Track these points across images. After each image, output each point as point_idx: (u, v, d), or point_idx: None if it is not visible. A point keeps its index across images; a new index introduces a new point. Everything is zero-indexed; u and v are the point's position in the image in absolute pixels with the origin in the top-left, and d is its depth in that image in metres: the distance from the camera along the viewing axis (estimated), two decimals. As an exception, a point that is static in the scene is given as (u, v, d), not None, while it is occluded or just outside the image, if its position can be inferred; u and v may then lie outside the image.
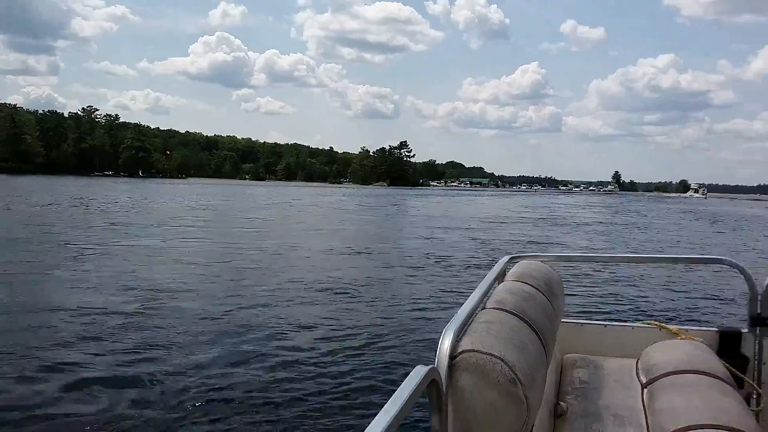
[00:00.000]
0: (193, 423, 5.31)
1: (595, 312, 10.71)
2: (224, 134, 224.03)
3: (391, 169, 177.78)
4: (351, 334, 8.45)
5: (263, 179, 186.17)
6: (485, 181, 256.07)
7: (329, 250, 19.13)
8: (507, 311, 1.90)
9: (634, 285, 13.93)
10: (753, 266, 2.98)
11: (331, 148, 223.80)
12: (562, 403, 2.30)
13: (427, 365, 1.30)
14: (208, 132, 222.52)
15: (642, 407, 2.26)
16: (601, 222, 39.61)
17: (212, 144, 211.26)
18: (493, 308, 1.93)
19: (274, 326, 8.75)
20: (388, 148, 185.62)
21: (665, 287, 13.78)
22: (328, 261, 16.76)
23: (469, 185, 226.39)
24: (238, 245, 19.21)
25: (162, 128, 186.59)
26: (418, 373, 1.24)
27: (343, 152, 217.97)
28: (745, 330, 2.78)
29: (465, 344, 1.54)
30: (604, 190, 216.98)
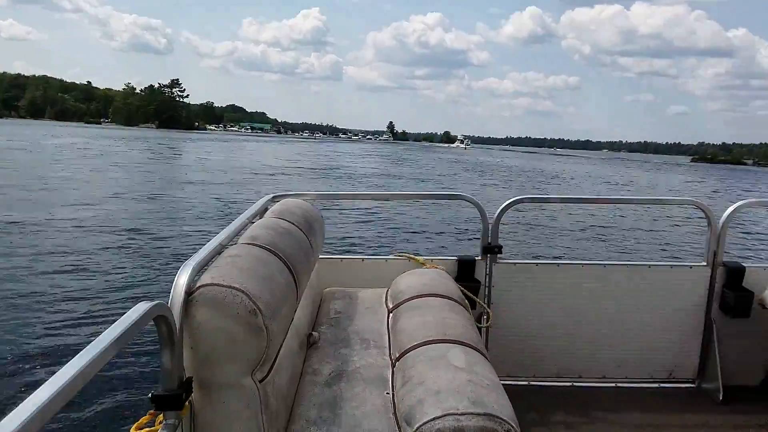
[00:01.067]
0: None
1: (356, 247, 11.85)
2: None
3: (161, 109, 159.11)
4: (102, 279, 8.69)
5: (1, 116, 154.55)
6: (267, 126, 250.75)
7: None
8: (258, 246, 1.92)
9: (391, 222, 15.94)
10: (492, 202, 3.42)
11: (89, 83, 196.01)
12: (314, 332, 2.34)
13: (154, 301, 1.31)
14: None
15: (387, 330, 2.41)
16: (383, 174, 39.98)
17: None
18: (244, 243, 1.95)
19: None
20: (158, 86, 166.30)
21: (417, 223, 16.15)
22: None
23: (250, 130, 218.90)
24: None
25: None
26: (138, 309, 1.25)
27: (105, 89, 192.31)
28: (479, 258, 3.17)
29: (204, 279, 1.55)
30: (381, 139, 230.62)
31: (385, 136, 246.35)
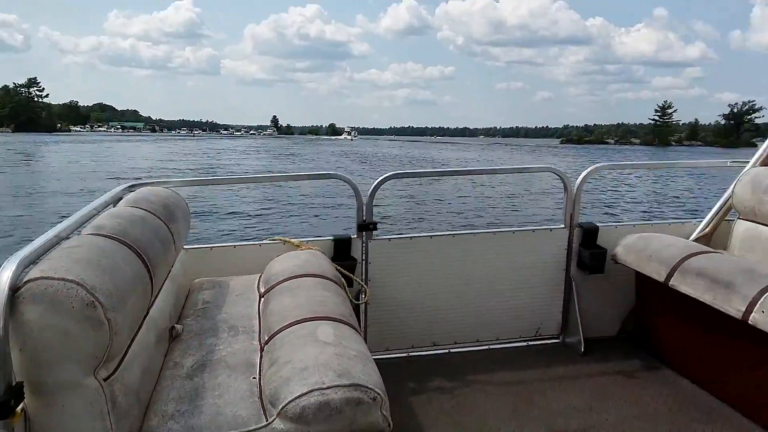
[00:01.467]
0: None
1: (228, 235, 11.30)
2: None
3: (18, 111, 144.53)
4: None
5: None
6: (140, 125, 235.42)
7: None
8: (103, 236, 1.81)
9: (265, 207, 15.54)
10: (368, 183, 3.22)
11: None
12: (177, 325, 2.24)
13: None
14: None
15: (258, 315, 2.32)
16: (269, 171, 39.00)
17: None
18: (88, 234, 1.83)
19: None
20: (13, 86, 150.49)
21: (293, 206, 15.90)
22: None
23: (121, 130, 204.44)
24: None
25: None
26: None
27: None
28: (354, 236, 3.16)
29: (33, 273, 1.42)
30: (265, 134, 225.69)
31: (269, 131, 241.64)
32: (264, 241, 3.13)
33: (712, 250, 3.04)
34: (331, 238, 3.18)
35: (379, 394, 1.53)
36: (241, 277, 2.86)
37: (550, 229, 3.46)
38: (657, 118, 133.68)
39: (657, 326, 3.26)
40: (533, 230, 3.45)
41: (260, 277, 2.75)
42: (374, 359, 3.20)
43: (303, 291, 2.28)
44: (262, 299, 2.46)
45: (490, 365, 3.23)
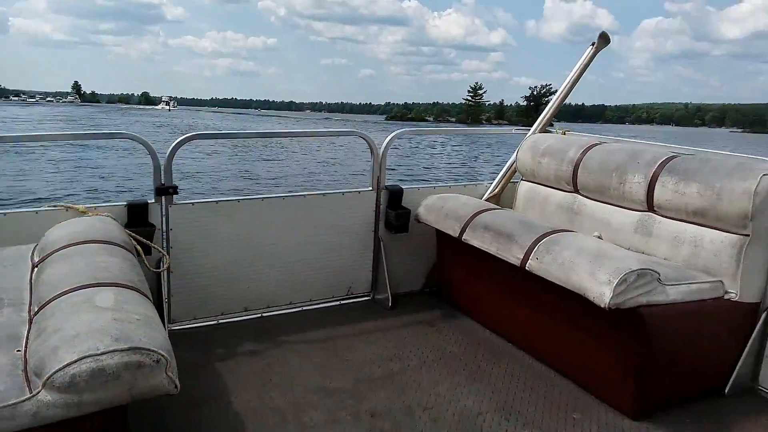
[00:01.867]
0: None
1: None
2: None
3: None
4: None
5: None
6: None
7: None
8: None
9: (46, 172, 14.25)
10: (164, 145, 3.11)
11: None
12: None
13: None
14: None
15: (30, 286, 2.13)
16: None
17: None
18: None
19: None
20: None
21: (80, 169, 14.85)
22: None
23: None
24: None
25: None
26: None
27: None
28: (152, 201, 2.96)
29: None
30: (65, 102, 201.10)
31: (70, 98, 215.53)
32: (42, 208, 2.80)
33: (498, 207, 3.37)
34: (125, 203, 2.95)
35: (163, 355, 1.44)
36: (11, 248, 2.53)
37: (359, 192, 3.56)
38: (470, 98, 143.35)
39: (454, 279, 3.56)
40: (343, 193, 3.52)
41: (35, 246, 2.46)
42: (181, 329, 3.09)
43: (83, 258, 2.09)
44: (36, 269, 2.20)
45: (303, 326, 3.25)
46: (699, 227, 2.67)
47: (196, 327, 3.18)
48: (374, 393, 2.58)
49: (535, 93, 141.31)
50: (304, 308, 3.47)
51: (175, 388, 1.47)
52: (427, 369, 2.81)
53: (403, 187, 3.65)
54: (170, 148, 2.98)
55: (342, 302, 3.60)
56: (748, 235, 2.50)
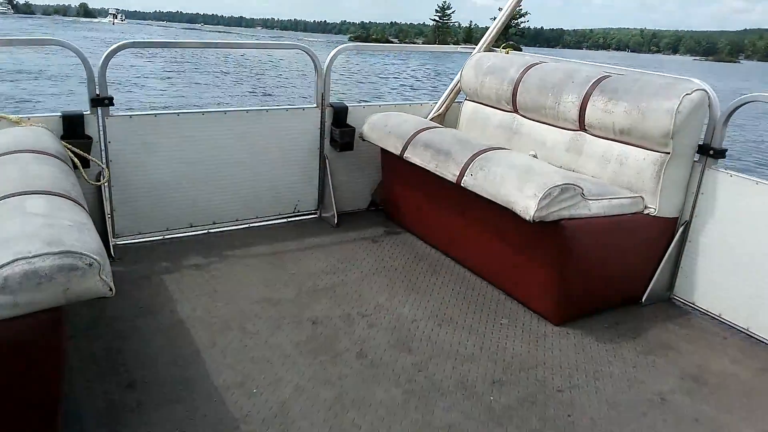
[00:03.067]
0: None
1: None
2: None
3: None
4: None
5: None
6: None
7: None
8: None
9: None
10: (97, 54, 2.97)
11: None
12: None
13: None
14: None
15: None
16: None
17: None
18: None
19: None
20: None
21: (12, 76, 14.62)
22: None
23: None
24: None
25: None
26: None
27: None
28: (88, 112, 2.91)
29: None
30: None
31: (2, 9, 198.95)
32: None
33: (440, 126, 3.43)
34: (59, 114, 2.88)
35: (95, 259, 1.48)
36: None
37: (303, 109, 3.55)
38: (437, 18, 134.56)
39: (397, 196, 3.65)
40: (287, 109, 3.50)
41: None
42: (126, 243, 3.11)
43: (15, 166, 2.05)
44: None
45: (249, 241, 3.32)
46: (625, 146, 2.81)
47: (141, 242, 3.21)
48: (316, 302, 2.70)
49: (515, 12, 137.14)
50: (251, 225, 3.53)
51: (110, 291, 1.52)
52: (367, 281, 2.94)
53: (348, 104, 3.65)
54: (103, 56, 2.89)
55: (289, 219, 3.66)
56: (669, 153, 2.65)
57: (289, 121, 3.48)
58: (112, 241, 3.06)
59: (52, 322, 1.48)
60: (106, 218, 3.01)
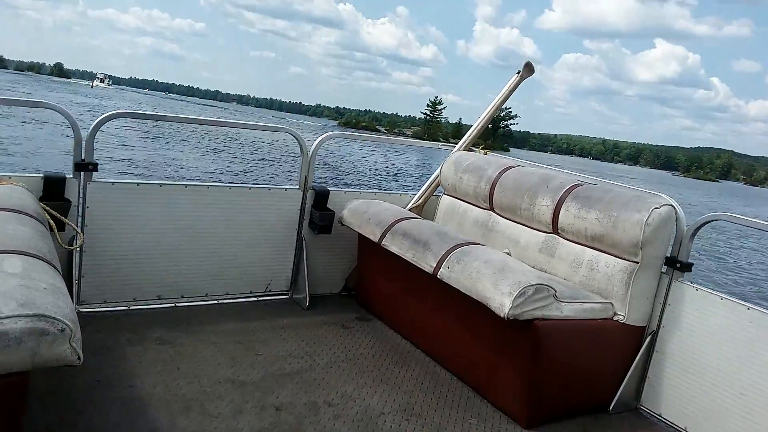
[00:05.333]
0: None
1: None
2: None
3: None
4: None
5: None
6: None
7: None
8: None
9: None
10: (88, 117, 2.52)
11: None
12: None
13: None
14: None
15: None
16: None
17: None
18: None
19: None
20: None
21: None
22: None
23: None
24: None
25: None
26: None
27: None
28: (70, 176, 2.91)
29: None
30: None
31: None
32: None
33: (418, 216, 3.51)
34: (41, 175, 2.87)
35: (68, 325, 1.44)
36: None
37: (285, 189, 3.60)
38: (428, 112, 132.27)
39: (372, 283, 3.66)
40: (269, 188, 3.55)
41: None
42: (90, 311, 3.01)
43: None
44: None
45: (216, 318, 3.25)
46: (596, 252, 2.91)
47: (106, 310, 3.11)
48: (282, 387, 2.62)
49: (495, 116, 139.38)
50: (220, 301, 3.46)
51: (78, 360, 1.47)
52: (336, 368, 2.88)
53: (329, 188, 3.72)
54: (94, 123, 2.93)
55: (260, 299, 3.61)
56: (638, 263, 2.75)
57: (271, 201, 3.52)
58: (76, 309, 2.96)
59: (14, 387, 1.41)
60: (73, 284, 2.92)
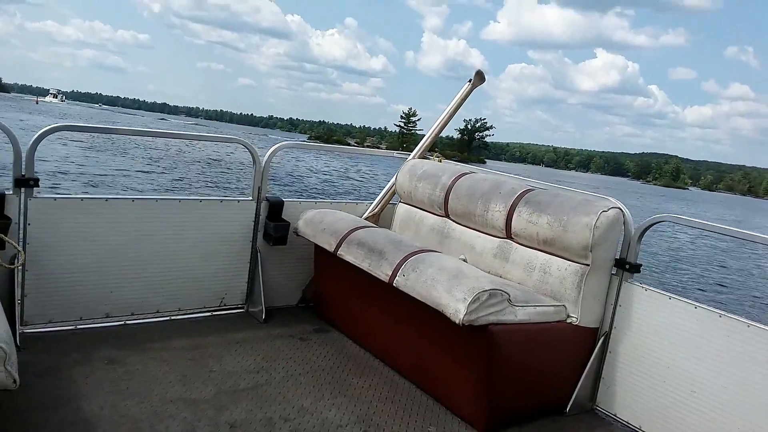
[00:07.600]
0: None
1: None
2: None
3: None
4: None
5: None
6: None
7: None
8: None
9: None
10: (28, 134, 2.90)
11: None
12: None
13: None
14: None
15: None
16: None
17: None
18: None
19: None
20: None
21: None
22: None
23: None
24: None
25: None
26: None
27: None
28: (10, 192, 2.83)
29: None
30: None
31: None
32: None
33: (374, 225, 3.50)
34: None
35: (1, 348, 1.36)
36: None
37: (238, 201, 3.53)
38: (402, 124, 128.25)
39: (329, 293, 3.62)
40: (221, 200, 3.48)
41: None
42: (35, 332, 2.87)
43: None
44: None
45: (169, 334, 3.15)
46: (548, 255, 2.96)
47: (52, 330, 2.97)
48: (236, 404, 2.55)
49: (469, 127, 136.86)
50: (172, 318, 3.36)
51: (14, 383, 1.39)
52: (293, 382, 2.83)
53: (284, 199, 3.67)
54: (34, 137, 2.81)
55: (214, 313, 3.52)
56: (589, 265, 2.81)
57: (223, 213, 3.44)
58: (19, 329, 2.82)
59: None
60: (16, 303, 2.78)
